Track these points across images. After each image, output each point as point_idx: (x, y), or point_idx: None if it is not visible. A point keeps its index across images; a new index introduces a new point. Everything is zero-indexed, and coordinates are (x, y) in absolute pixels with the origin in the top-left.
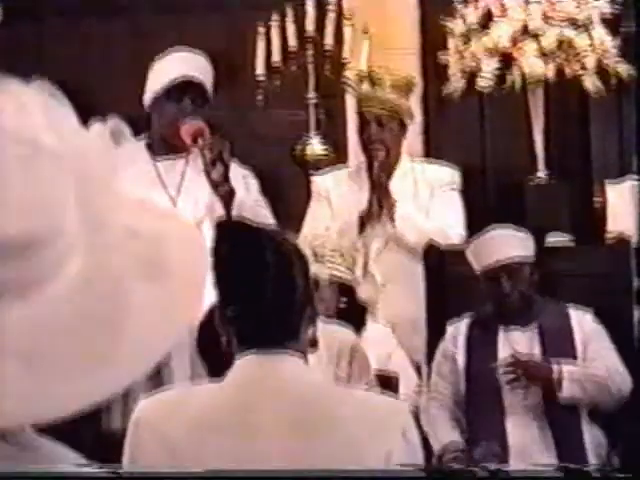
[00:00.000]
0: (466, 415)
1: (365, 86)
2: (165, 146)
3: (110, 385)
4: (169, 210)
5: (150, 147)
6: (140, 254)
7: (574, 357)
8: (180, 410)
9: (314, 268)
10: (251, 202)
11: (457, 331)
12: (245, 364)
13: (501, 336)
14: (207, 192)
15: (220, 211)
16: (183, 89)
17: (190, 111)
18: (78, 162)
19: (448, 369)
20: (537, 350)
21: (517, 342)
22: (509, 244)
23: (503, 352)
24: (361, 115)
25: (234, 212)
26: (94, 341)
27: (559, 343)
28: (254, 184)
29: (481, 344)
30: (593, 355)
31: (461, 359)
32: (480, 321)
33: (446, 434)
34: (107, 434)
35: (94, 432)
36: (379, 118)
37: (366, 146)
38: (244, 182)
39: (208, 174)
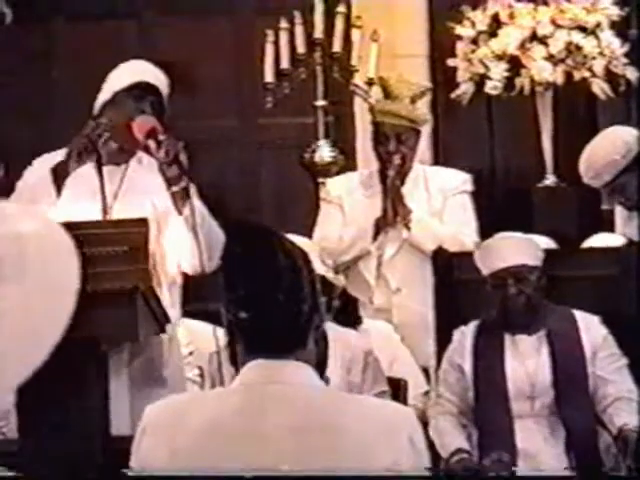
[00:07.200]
0: (474, 422)
1: (381, 98)
2: (110, 154)
3: None
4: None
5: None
6: None
7: (583, 363)
8: (187, 416)
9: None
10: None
11: (463, 337)
12: (252, 370)
13: (508, 342)
14: (155, 195)
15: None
16: (144, 91)
17: (147, 112)
18: None
19: (454, 378)
20: (545, 356)
21: (524, 347)
22: (517, 250)
23: (510, 358)
24: (378, 127)
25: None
26: None
27: (568, 349)
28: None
29: (488, 350)
30: (609, 369)
31: (468, 366)
32: (486, 327)
33: (452, 441)
34: (116, 440)
35: (103, 438)
36: (399, 134)
37: (381, 155)
38: None
39: (163, 173)
